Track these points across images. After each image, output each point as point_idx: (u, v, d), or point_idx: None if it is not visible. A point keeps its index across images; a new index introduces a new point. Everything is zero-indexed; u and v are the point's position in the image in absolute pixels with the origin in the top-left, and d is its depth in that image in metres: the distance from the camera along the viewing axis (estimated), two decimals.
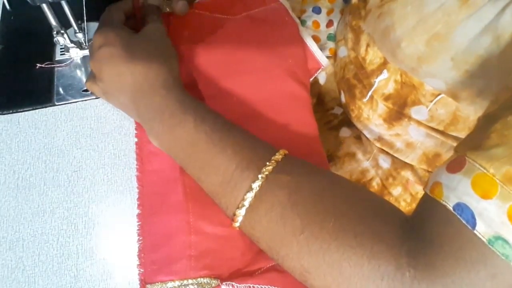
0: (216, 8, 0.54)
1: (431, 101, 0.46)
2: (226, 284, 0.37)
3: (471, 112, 0.44)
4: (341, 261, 0.30)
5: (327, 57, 0.61)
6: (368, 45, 0.50)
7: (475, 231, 0.26)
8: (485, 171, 0.27)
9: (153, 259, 0.38)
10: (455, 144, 0.48)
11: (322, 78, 0.61)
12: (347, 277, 0.30)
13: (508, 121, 0.28)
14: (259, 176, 0.34)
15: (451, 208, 0.28)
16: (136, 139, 0.45)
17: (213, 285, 0.37)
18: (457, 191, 0.28)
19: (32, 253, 0.40)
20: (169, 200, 0.41)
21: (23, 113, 0.47)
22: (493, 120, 0.29)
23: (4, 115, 0.46)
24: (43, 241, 0.41)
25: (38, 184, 0.43)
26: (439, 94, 0.45)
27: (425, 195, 0.32)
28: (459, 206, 0.27)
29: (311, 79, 0.56)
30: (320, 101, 0.61)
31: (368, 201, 0.35)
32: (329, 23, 0.62)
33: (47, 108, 0.47)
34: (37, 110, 0.47)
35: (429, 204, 0.31)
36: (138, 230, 0.40)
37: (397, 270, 0.28)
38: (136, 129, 0.45)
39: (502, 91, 0.32)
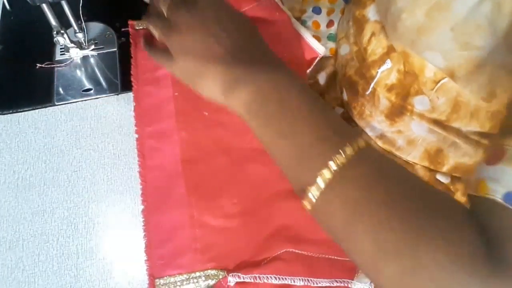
0: None
1: (432, 89, 0.46)
2: (232, 275, 0.37)
3: (471, 97, 0.44)
4: (419, 245, 0.28)
5: (327, 57, 0.61)
6: (373, 34, 0.50)
7: None
8: None
9: (160, 254, 0.39)
10: (457, 139, 0.48)
11: (322, 78, 0.61)
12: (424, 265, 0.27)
13: None
14: (341, 151, 0.30)
15: (500, 200, 0.26)
16: (136, 135, 0.45)
17: (220, 276, 0.37)
18: (503, 180, 0.27)
19: (32, 253, 0.40)
20: (172, 194, 0.41)
21: (23, 113, 0.46)
22: None
23: (4, 115, 0.46)
24: (43, 241, 0.41)
25: (38, 184, 0.43)
26: (439, 81, 0.45)
27: (472, 198, 0.30)
28: (509, 196, 0.26)
29: (309, 70, 0.56)
30: None
31: (440, 199, 0.32)
32: (330, 23, 0.62)
33: (47, 108, 0.47)
34: (37, 110, 0.47)
35: (478, 204, 0.29)
36: (143, 226, 0.40)
37: (473, 262, 0.27)
38: (135, 125, 0.45)
39: None
